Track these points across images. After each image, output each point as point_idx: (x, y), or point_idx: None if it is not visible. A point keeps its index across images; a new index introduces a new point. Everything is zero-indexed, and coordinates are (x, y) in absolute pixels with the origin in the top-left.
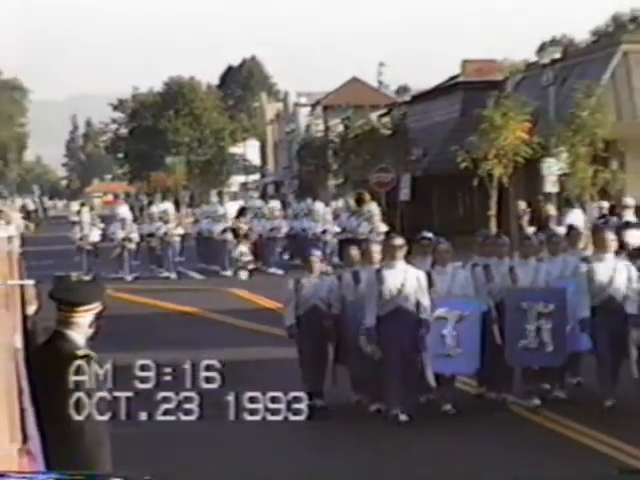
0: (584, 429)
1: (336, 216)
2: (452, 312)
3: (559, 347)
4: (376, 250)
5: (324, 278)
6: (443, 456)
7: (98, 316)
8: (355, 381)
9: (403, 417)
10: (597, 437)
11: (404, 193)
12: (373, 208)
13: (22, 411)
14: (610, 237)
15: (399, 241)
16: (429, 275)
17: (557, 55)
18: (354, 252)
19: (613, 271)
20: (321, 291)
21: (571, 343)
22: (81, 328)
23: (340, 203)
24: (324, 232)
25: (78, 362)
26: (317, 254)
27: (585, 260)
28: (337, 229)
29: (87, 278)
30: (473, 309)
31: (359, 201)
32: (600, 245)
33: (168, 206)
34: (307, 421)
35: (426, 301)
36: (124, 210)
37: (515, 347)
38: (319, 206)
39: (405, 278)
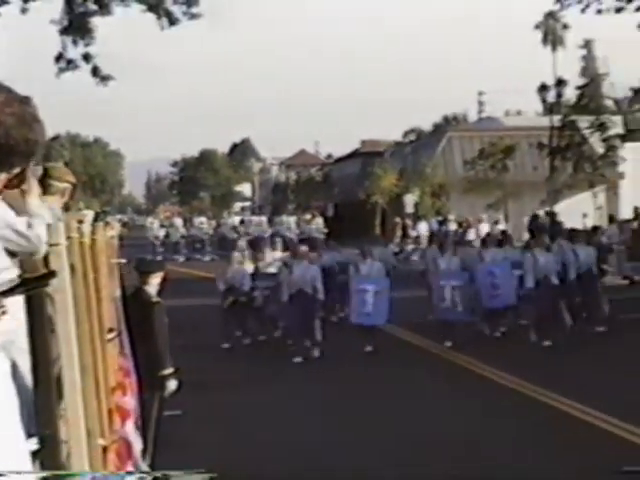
0: (484, 366)
1: (298, 225)
2: (371, 286)
3: (466, 308)
4: (303, 249)
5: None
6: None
7: (162, 280)
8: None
9: (316, 353)
10: (495, 372)
11: (329, 212)
12: (319, 221)
13: (120, 332)
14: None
15: (303, 247)
16: (357, 265)
17: (413, 137)
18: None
19: (546, 259)
20: (237, 275)
21: (491, 302)
22: (153, 286)
23: (293, 218)
24: (290, 235)
25: (152, 305)
26: (237, 253)
27: (530, 251)
28: (297, 232)
29: (156, 258)
30: (385, 284)
31: (312, 216)
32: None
33: (204, 220)
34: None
35: (320, 286)
36: (178, 221)
37: (439, 307)
38: (289, 219)
39: (306, 271)
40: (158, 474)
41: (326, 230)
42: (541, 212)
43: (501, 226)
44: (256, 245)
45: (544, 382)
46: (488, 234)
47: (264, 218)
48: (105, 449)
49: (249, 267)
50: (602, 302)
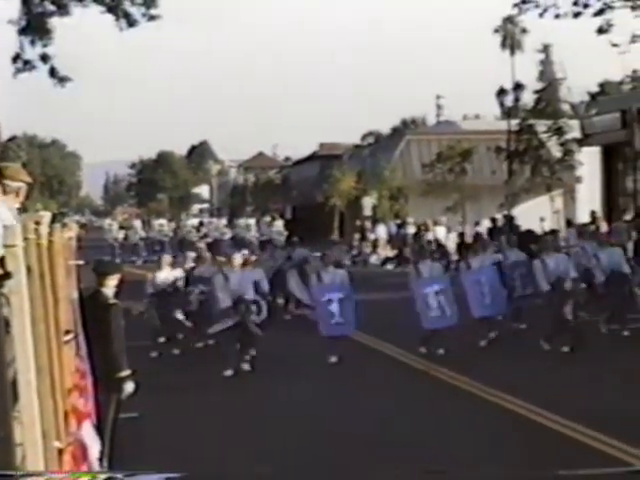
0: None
1: (258, 227)
2: (336, 295)
3: (453, 313)
4: (236, 258)
5: (173, 270)
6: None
7: (119, 281)
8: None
9: (246, 367)
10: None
11: (287, 215)
12: (279, 224)
13: (76, 334)
14: None
15: (237, 257)
16: (319, 274)
17: (371, 141)
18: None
19: (556, 261)
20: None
21: (481, 311)
22: (110, 288)
23: (253, 220)
24: (251, 237)
25: (109, 307)
26: (167, 257)
27: (539, 256)
28: (257, 235)
29: (113, 260)
30: (349, 292)
31: (272, 219)
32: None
33: (164, 222)
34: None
35: (251, 293)
36: (138, 223)
37: (426, 315)
38: (250, 221)
39: (242, 279)
40: (116, 474)
41: (287, 233)
42: (499, 215)
43: (480, 228)
44: (215, 248)
45: (515, 390)
46: (475, 238)
47: (224, 220)
48: (61, 451)
49: (179, 271)
50: (626, 305)
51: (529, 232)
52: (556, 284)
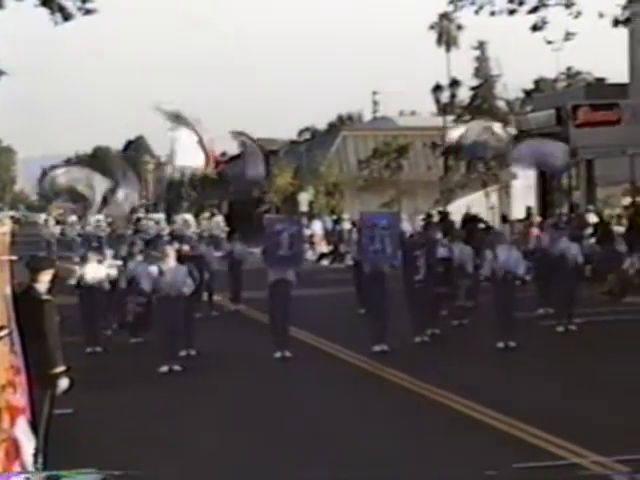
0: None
1: (199, 223)
2: (287, 228)
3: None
4: (170, 253)
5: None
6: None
7: (52, 278)
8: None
9: (176, 368)
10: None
11: (224, 210)
12: (220, 219)
13: (10, 330)
14: None
15: (171, 251)
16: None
17: (308, 136)
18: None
19: (507, 257)
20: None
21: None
22: (43, 283)
23: (190, 216)
24: (190, 233)
25: (42, 303)
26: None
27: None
28: (197, 230)
29: (47, 256)
30: (299, 228)
31: (211, 215)
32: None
33: (101, 217)
34: None
35: (189, 281)
36: (73, 218)
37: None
38: (188, 217)
39: (176, 271)
40: (47, 474)
41: (227, 228)
42: (435, 211)
43: None
44: (153, 244)
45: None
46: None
47: (162, 215)
48: None
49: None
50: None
51: (475, 219)
52: (504, 278)
